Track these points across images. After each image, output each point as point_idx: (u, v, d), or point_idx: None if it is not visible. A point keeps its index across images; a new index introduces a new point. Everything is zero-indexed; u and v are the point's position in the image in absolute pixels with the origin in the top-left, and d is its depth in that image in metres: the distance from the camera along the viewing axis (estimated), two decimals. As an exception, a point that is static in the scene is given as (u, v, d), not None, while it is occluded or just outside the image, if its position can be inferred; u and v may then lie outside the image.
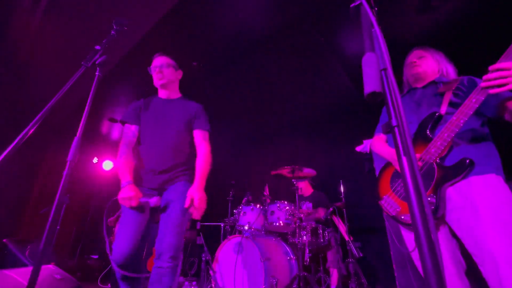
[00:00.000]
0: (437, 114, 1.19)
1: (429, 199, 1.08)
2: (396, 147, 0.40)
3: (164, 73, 1.71)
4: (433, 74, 1.42)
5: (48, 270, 1.69)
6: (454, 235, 1.11)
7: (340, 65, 3.13)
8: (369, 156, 3.17)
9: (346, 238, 2.73)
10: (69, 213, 4.82)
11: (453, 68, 1.43)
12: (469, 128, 1.15)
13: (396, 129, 0.41)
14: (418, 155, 1.15)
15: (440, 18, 2.42)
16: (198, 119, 1.70)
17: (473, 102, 1.04)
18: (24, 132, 0.97)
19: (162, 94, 1.78)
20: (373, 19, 0.46)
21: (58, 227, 2.80)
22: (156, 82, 1.72)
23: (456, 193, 1.07)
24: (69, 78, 1.17)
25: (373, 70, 0.40)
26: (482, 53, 2.61)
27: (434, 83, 1.38)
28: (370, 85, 0.39)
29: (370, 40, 0.44)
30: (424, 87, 1.41)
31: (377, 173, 3.02)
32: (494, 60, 1.11)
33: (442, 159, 1.12)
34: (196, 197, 1.41)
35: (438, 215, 1.07)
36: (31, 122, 0.98)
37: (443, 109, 1.20)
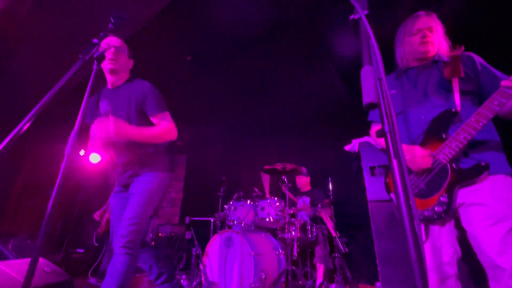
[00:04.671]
0: (453, 110, 1.11)
1: (441, 198, 1.08)
2: (388, 150, 0.45)
3: (117, 57, 1.55)
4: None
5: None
6: (456, 226, 1.14)
7: (333, 66, 3.20)
8: (357, 156, 3.28)
9: (333, 234, 2.82)
10: (54, 207, 4.71)
11: (447, 45, 1.29)
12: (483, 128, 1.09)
13: (388, 135, 0.46)
14: (430, 152, 1.12)
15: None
16: (146, 104, 1.53)
17: (495, 104, 0.96)
18: (20, 125, 0.96)
19: (110, 80, 1.65)
20: (371, 33, 0.50)
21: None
22: (106, 65, 1.53)
23: (468, 190, 1.07)
24: (59, 68, 1.16)
25: (371, 83, 0.44)
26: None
27: (435, 62, 1.24)
28: (368, 96, 0.44)
29: (368, 54, 0.48)
30: (425, 67, 1.26)
31: (364, 172, 3.14)
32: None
33: (457, 160, 1.09)
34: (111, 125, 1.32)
35: (449, 214, 1.08)
36: (27, 115, 0.98)
37: (457, 102, 1.11)
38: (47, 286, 1.56)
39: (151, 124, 1.54)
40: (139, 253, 1.45)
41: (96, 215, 3.34)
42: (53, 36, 2.55)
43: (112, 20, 1.29)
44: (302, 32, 2.76)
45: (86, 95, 1.13)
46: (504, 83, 0.95)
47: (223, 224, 3.11)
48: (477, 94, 1.17)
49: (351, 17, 0.58)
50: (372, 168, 3.20)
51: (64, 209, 4.91)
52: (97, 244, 3.19)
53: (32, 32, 2.53)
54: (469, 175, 1.04)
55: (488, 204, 1.00)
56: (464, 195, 1.08)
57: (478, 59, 1.18)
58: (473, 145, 1.08)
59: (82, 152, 5.47)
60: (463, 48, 1.22)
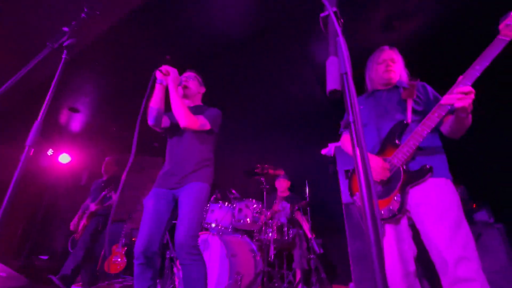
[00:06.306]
0: (405, 122, 1.33)
1: (395, 198, 1.23)
2: (351, 138, 0.47)
3: (188, 83, 1.87)
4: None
5: (-9, 267, 1.53)
6: (410, 226, 1.27)
7: (312, 71, 3.29)
8: (333, 159, 3.38)
9: (309, 235, 2.87)
10: (15, 209, 4.37)
11: (406, 74, 1.54)
12: (428, 138, 1.29)
13: (352, 124, 0.49)
14: (387, 158, 1.29)
15: (400, 37, 2.69)
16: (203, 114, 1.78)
17: (435, 116, 1.18)
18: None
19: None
20: (338, 29, 0.53)
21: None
22: (180, 90, 1.85)
23: (416, 192, 1.23)
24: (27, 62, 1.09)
25: (335, 71, 0.46)
26: (437, 70, 2.95)
27: (396, 87, 1.49)
28: (332, 83, 0.46)
29: (335, 46, 0.51)
30: (388, 90, 1.50)
31: (339, 175, 3.22)
32: (449, 77, 1.29)
33: (407, 164, 1.27)
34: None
35: (402, 211, 1.23)
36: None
37: (409, 116, 1.34)
38: (1, 292, 1.43)
39: (211, 141, 1.87)
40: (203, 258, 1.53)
41: (73, 225, 3.11)
42: (21, 29, 2.40)
43: (86, 10, 1.25)
44: (283, 36, 2.82)
45: (53, 85, 1.07)
46: (442, 101, 1.17)
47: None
48: (426, 114, 1.36)
49: (322, 14, 0.60)
50: (347, 171, 3.31)
51: (27, 212, 4.55)
52: (72, 251, 2.96)
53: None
54: (416, 176, 1.21)
55: (433, 203, 1.16)
56: (413, 195, 1.23)
57: (430, 88, 1.43)
58: (420, 151, 1.27)
59: (50, 152, 5.14)
60: (419, 79, 1.48)
